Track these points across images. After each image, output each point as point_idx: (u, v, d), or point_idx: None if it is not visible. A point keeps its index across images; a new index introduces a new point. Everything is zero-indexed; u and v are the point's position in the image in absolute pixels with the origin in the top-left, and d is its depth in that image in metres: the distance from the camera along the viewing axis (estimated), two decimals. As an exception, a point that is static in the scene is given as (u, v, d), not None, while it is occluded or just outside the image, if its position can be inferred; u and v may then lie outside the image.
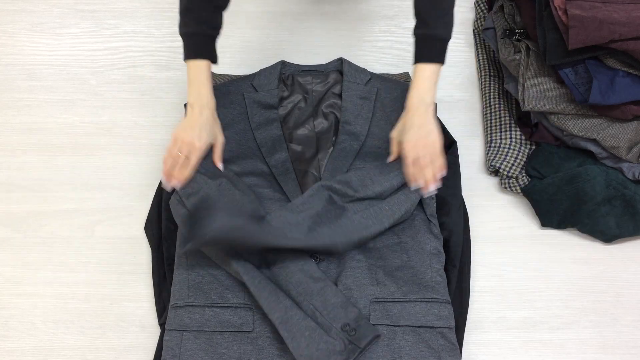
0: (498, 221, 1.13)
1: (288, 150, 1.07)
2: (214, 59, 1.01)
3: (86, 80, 1.28)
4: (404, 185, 1.00)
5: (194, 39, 0.99)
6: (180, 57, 1.31)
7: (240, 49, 1.32)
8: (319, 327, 0.88)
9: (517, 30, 1.14)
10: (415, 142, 0.96)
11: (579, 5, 1.02)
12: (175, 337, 0.94)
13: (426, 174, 0.97)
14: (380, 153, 1.06)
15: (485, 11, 1.32)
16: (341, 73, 1.14)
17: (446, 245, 1.03)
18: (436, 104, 1.07)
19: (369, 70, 1.21)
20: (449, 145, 1.12)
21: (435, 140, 0.97)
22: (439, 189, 1.01)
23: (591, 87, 1.02)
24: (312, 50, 1.32)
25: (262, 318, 0.94)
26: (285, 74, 1.15)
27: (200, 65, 0.99)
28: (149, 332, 1.04)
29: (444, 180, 1.07)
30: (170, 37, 1.33)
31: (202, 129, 0.98)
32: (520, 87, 1.10)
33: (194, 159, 0.98)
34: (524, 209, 1.15)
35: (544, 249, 1.11)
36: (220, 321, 0.94)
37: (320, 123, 1.11)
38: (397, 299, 0.95)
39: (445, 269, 1.01)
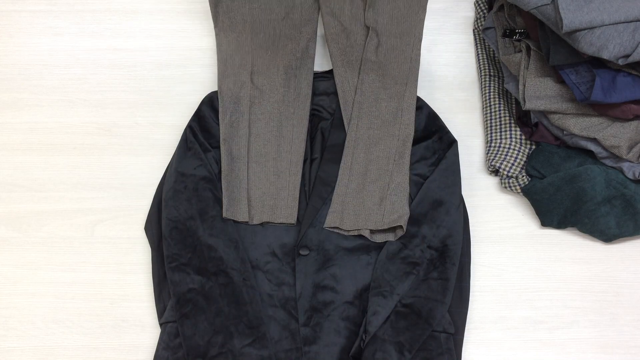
0: (498, 221, 1.13)
1: None
2: None
3: (86, 80, 1.28)
4: None
5: None
6: (179, 57, 1.30)
7: (240, 48, 1.32)
8: None
9: (517, 30, 1.14)
10: None
11: (579, 5, 1.02)
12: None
13: None
14: None
15: (485, 11, 1.31)
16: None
17: (445, 245, 1.03)
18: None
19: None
20: (449, 145, 1.12)
21: None
22: (438, 188, 1.02)
23: (592, 87, 1.02)
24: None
25: None
26: None
27: None
28: (149, 332, 1.04)
29: (444, 179, 1.07)
30: (170, 37, 1.33)
31: None
32: (520, 87, 1.10)
33: None
34: (524, 209, 1.15)
35: (544, 249, 1.11)
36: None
37: None
38: None
39: (445, 268, 1.01)
